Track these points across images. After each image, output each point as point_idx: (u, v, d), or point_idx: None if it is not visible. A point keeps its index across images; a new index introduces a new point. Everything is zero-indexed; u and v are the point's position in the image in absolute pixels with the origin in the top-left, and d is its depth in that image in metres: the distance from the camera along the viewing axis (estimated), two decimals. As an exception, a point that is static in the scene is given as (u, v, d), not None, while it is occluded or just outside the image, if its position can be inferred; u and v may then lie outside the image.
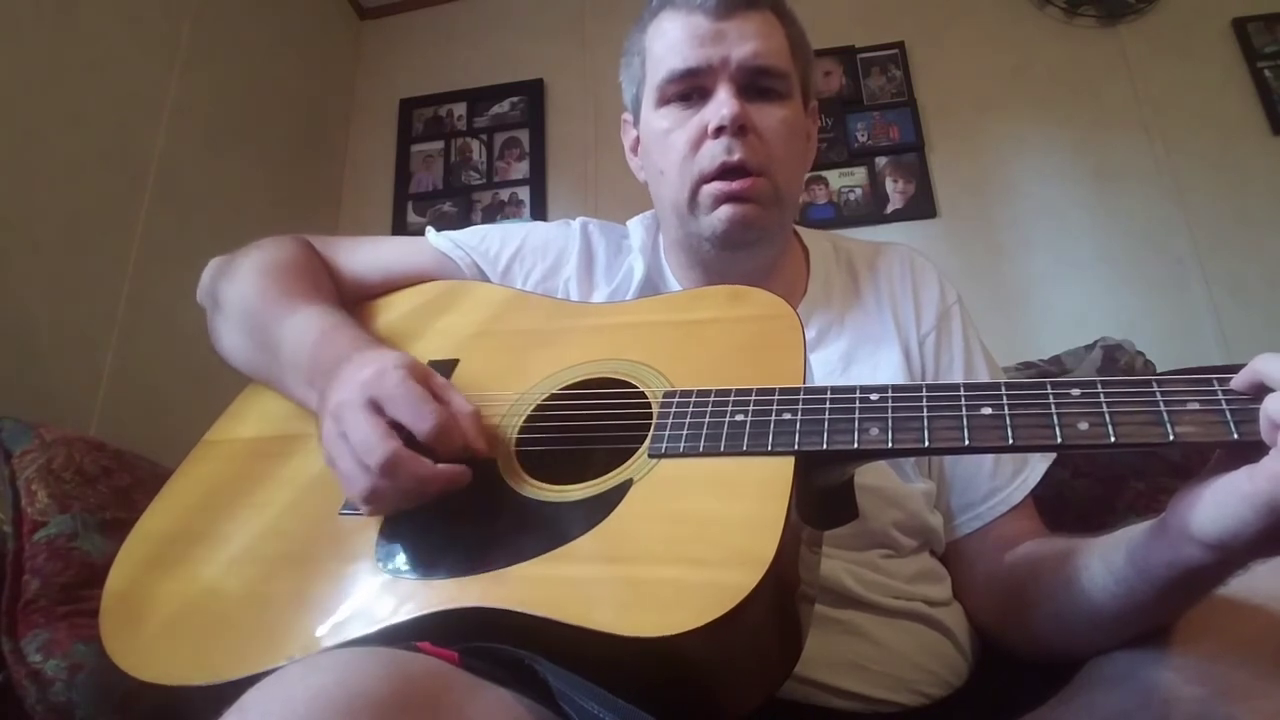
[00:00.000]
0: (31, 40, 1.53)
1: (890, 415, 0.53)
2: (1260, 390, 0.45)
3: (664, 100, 0.82)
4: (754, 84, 0.80)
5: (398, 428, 0.58)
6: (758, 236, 0.81)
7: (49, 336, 1.50)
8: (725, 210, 0.78)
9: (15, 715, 0.74)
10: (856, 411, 0.54)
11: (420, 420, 0.58)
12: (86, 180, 1.62)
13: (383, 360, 0.62)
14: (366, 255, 0.90)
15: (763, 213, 0.79)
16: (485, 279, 0.88)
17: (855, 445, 0.53)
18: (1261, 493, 0.43)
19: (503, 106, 2.50)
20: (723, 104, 0.77)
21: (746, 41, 0.79)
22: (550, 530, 0.55)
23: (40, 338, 1.48)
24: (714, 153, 0.78)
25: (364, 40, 2.69)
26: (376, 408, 0.59)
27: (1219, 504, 0.46)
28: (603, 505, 0.55)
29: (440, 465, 0.58)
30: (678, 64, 0.80)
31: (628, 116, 0.92)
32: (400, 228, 2.40)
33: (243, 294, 0.80)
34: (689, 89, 0.80)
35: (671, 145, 0.81)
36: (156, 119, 1.82)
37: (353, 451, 0.58)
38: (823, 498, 0.58)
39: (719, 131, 0.77)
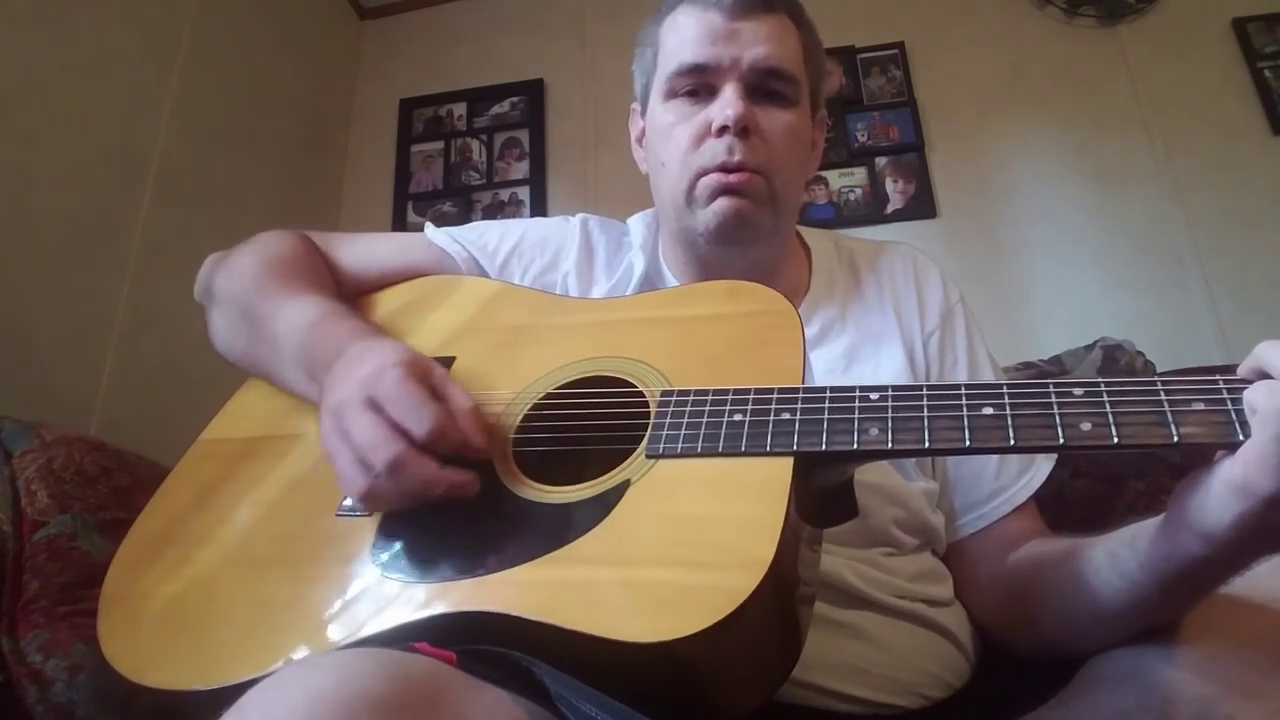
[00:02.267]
0: (31, 40, 1.53)
1: (890, 415, 0.53)
2: (1263, 378, 0.45)
3: (672, 94, 0.82)
4: (762, 86, 0.80)
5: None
6: (751, 234, 0.81)
7: (49, 336, 1.50)
8: (720, 203, 0.78)
9: (15, 715, 0.74)
10: (856, 411, 0.54)
11: (418, 422, 0.57)
12: (86, 180, 1.62)
13: (382, 356, 0.61)
14: (364, 250, 0.90)
15: (756, 209, 0.79)
16: (483, 274, 0.88)
17: (855, 446, 0.53)
18: (1238, 478, 0.44)
19: (503, 106, 2.49)
20: (728, 103, 0.77)
21: (759, 43, 0.79)
22: (547, 532, 0.55)
23: (40, 338, 1.48)
24: (715, 151, 0.78)
25: (364, 40, 2.69)
26: (376, 407, 0.58)
27: (1207, 492, 0.46)
28: (600, 507, 0.55)
29: (446, 470, 0.58)
30: (688, 59, 0.80)
31: (636, 106, 0.92)
32: (400, 228, 2.39)
33: (239, 286, 0.80)
34: (697, 85, 0.80)
35: (674, 139, 0.81)
36: (156, 119, 1.82)
37: (354, 450, 0.58)
38: (822, 497, 0.57)
39: (722, 130, 0.77)
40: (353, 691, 0.39)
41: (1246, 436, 0.44)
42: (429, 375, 0.62)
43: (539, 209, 2.36)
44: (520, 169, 2.42)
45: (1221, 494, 0.45)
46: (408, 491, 0.58)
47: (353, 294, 0.86)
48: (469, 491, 0.58)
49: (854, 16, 2.33)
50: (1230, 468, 0.45)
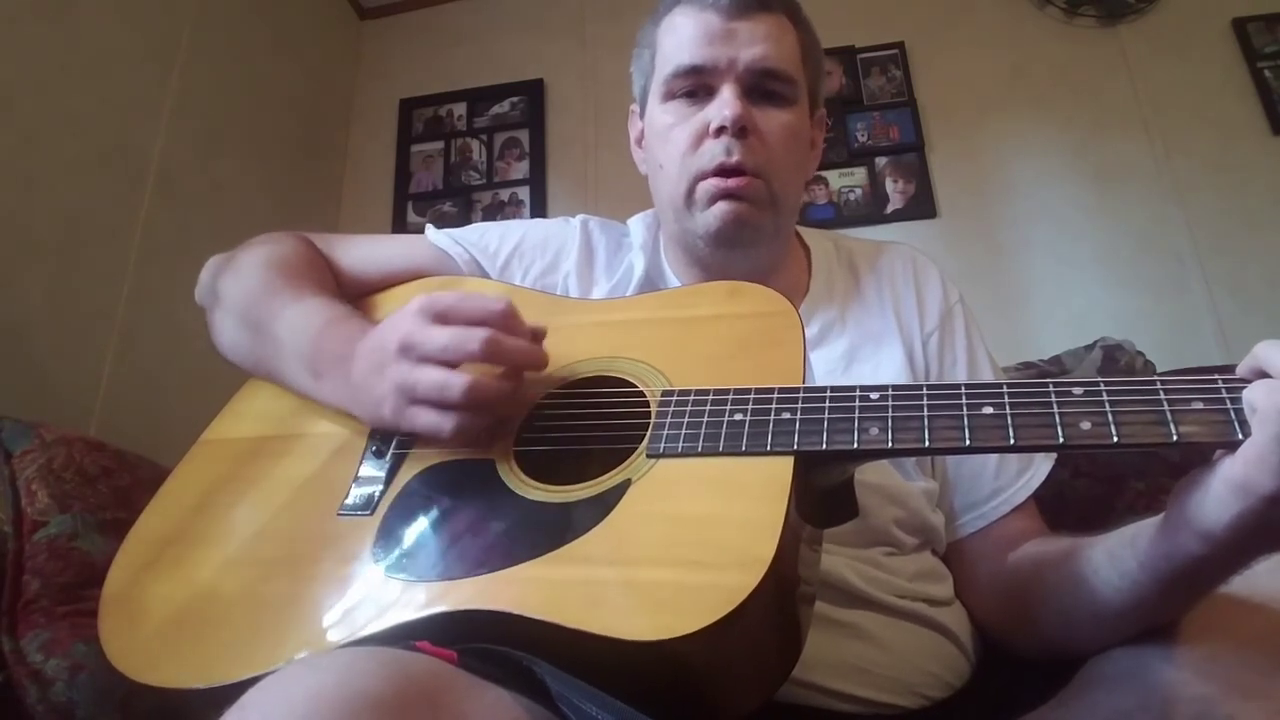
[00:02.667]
0: (31, 40, 1.53)
1: (890, 415, 0.53)
2: (1262, 378, 0.45)
3: (669, 95, 0.82)
4: (760, 87, 0.80)
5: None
6: (751, 237, 0.81)
7: (49, 336, 1.50)
8: (719, 207, 0.78)
9: (15, 715, 0.74)
10: (856, 411, 0.54)
11: (487, 311, 0.61)
12: (86, 180, 1.62)
13: (399, 315, 0.63)
14: (365, 252, 0.90)
15: (756, 213, 0.79)
16: (484, 275, 0.88)
17: (855, 445, 0.53)
18: (1237, 476, 0.44)
19: (503, 106, 2.49)
20: (725, 104, 0.77)
21: (756, 44, 0.79)
22: (548, 531, 0.55)
23: (40, 338, 1.48)
24: (713, 152, 0.78)
25: (364, 40, 2.69)
26: (441, 318, 0.61)
27: (1207, 489, 0.46)
28: (601, 506, 0.55)
29: (528, 344, 0.62)
30: (685, 60, 0.80)
31: (635, 108, 0.92)
32: (400, 228, 2.39)
33: (244, 287, 0.80)
34: (695, 86, 0.80)
35: (673, 140, 0.81)
36: (156, 119, 1.82)
37: (442, 353, 0.59)
38: (823, 497, 0.57)
39: (720, 131, 0.77)
40: (353, 691, 0.39)
41: (1246, 435, 0.45)
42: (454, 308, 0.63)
43: (539, 209, 2.36)
44: (520, 169, 2.42)
45: (1221, 493, 0.45)
46: (515, 362, 0.61)
47: (354, 295, 0.86)
48: (543, 362, 0.64)
49: (854, 16, 2.33)
50: (1230, 467, 0.45)
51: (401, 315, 0.63)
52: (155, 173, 1.79)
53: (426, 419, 0.60)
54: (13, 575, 0.81)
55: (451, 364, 0.60)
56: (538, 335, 0.65)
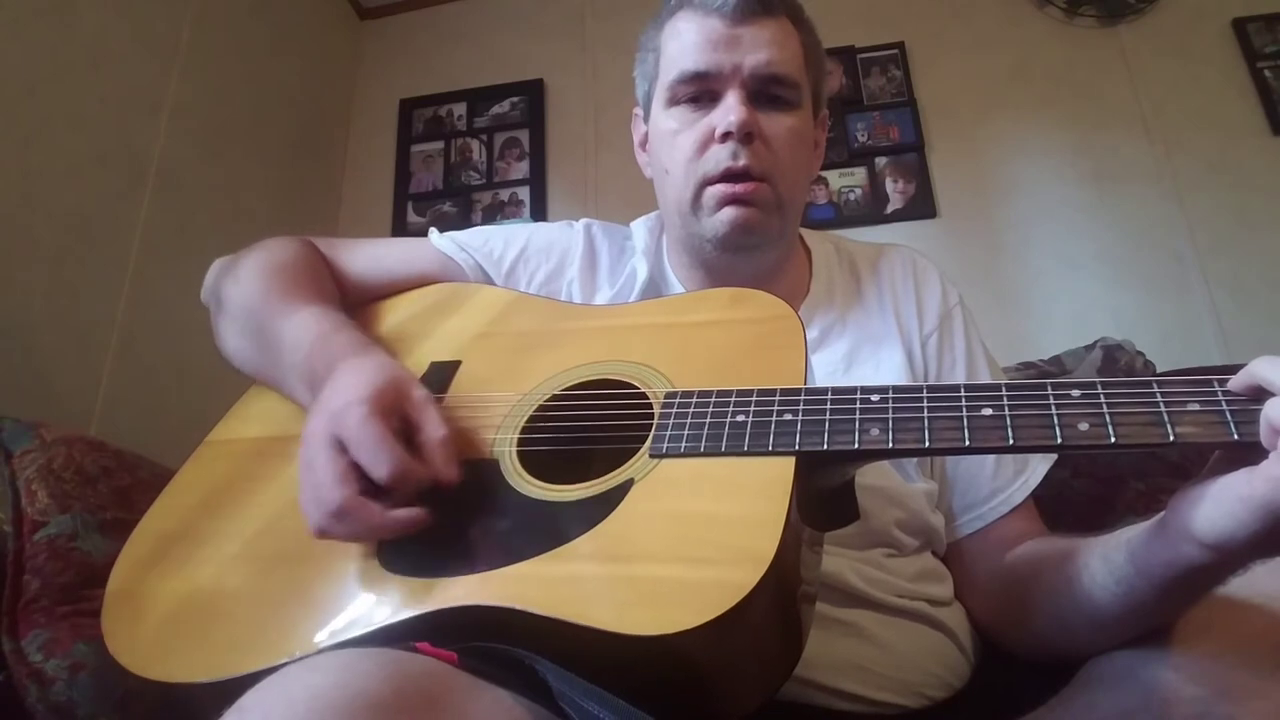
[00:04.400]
0: (31, 40, 1.53)
1: (891, 416, 0.53)
2: (1258, 393, 0.45)
3: (674, 101, 0.82)
4: (764, 91, 0.80)
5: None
6: (758, 241, 0.81)
7: (49, 336, 1.50)
8: (727, 213, 0.78)
9: (15, 715, 0.75)
10: (857, 412, 0.54)
11: (376, 466, 0.56)
12: (86, 180, 1.62)
13: (355, 387, 0.60)
14: (369, 257, 0.90)
15: (764, 218, 0.79)
16: (489, 281, 0.88)
17: (856, 446, 0.53)
18: (1259, 495, 0.43)
19: (503, 106, 2.50)
20: (730, 110, 0.77)
21: (760, 49, 0.79)
22: (551, 529, 0.55)
23: (40, 338, 1.48)
24: (719, 157, 0.78)
25: (364, 40, 2.69)
26: (340, 445, 0.58)
27: (1217, 504, 0.46)
28: (604, 505, 0.55)
29: (393, 512, 0.56)
30: (689, 66, 0.80)
31: (638, 111, 0.92)
32: (400, 228, 2.40)
33: (245, 294, 0.80)
34: (699, 92, 0.80)
35: (678, 146, 0.81)
36: (156, 119, 1.82)
37: (312, 487, 0.57)
38: (824, 499, 0.58)
39: (725, 137, 0.78)
40: (353, 691, 0.39)
41: (1241, 437, 0.45)
42: (403, 403, 0.60)
43: (539, 209, 2.36)
44: (520, 169, 2.42)
45: (1236, 510, 0.44)
46: (356, 534, 0.57)
47: (358, 300, 0.86)
48: (419, 525, 0.57)
49: (854, 16, 2.33)
50: (1249, 485, 0.44)
51: (368, 381, 0.60)
52: (155, 173, 1.79)
53: (304, 495, 0.58)
54: (13, 575, 0.81)
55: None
56: (444, 478, 0.59)
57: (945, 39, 2.30)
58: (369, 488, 0.57)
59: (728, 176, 0.78)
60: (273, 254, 0.84)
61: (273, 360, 0.75)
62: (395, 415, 0.60)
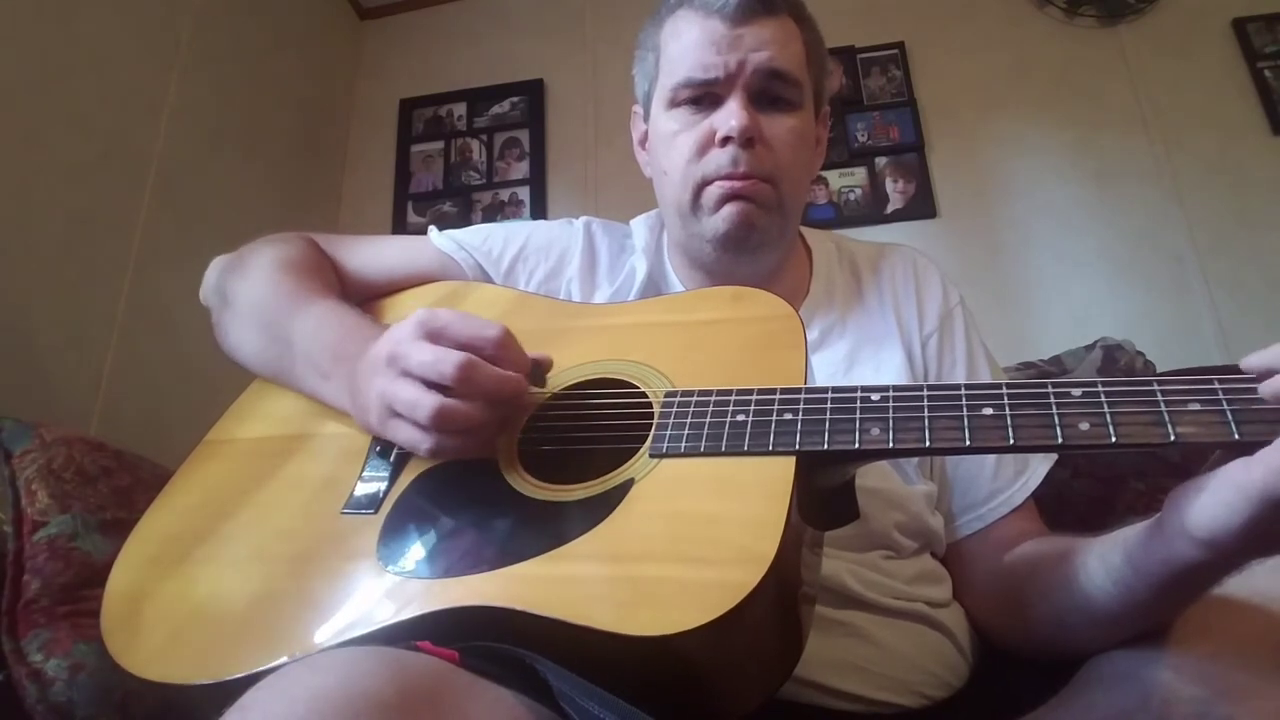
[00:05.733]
0: (31, 40, 1.53)
1: (891, 415, 0.53)
2: (1268, 375, 0.45)
3: (675, 103, 0.82)
4: (766, 92, 0.80)
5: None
6: (759, 241, 0.81)
7: (49, 336, 1.50)
8: (728, 209, 0.78)
9: (15, 715, 0.75)
10: (858, 412, 0.54)
11: (442, 365, 0.58)
12: (86, 180, 1.62)
13: (392, 339, 0.62)
14: (369, 254, 0.90)
15: (764, 215, 0.79)
16: (488, 279, 0.88)
17: (856, 445, 0.53)
18: (1257, 483, 0.43)
19: (503, 106, 2.49)
20: (732, 114, 0.77)
21: (762, 49, 0.78)
22: (551, 529, 0.55)
23: (40, 338, 1.48)
24: (720, 161, 0.78)
25: (364, 40, 2.69)
26: (408, 375, 0.59)
27: (1214, 495, 0.46)
28: (604, 504, 0.55)
29: (508, 373, 0.59)
30: (690, 69, 0.79)
31: (638, 109, 0.92)
32: (400, 227, 2.40)
33: (256, 288, 0.80)
34: (701, 94, 0.80)
35: (678, 147, 0.81)
36: (156, 119, 1.82)
37: (421, 371, 0.58)
38: (824, 499, 0.57)
39: (726, 141, 0.77)
40: (355, 691, 0.39)
41: (1243, 436, 0.45)
42: (446, 330, 0.62)
43: (539, 209, 2.36)
44: (520, 169, 2.42)
45: (1232, 499, 0.44)
46: (487, 392, 0.58)
47: (358, 298, 0.86)
48: (521, 391, 0.61)
49: (854, 16, 2.33)
50: (1247, 473, 0.44)
51: (401, 325, 0.62)
52: (155, 173, 1.79)
53: (405, 434, 0.60)
54: (13, 575, 0.81)
55: (430, 383, 0.59)
56: (541, 364, 0.64)
57: (945, 39, 2.29)
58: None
59: (728, 178, 0.78)
60: (281, 250, 0.84)
61: (283, 351, 0.75)
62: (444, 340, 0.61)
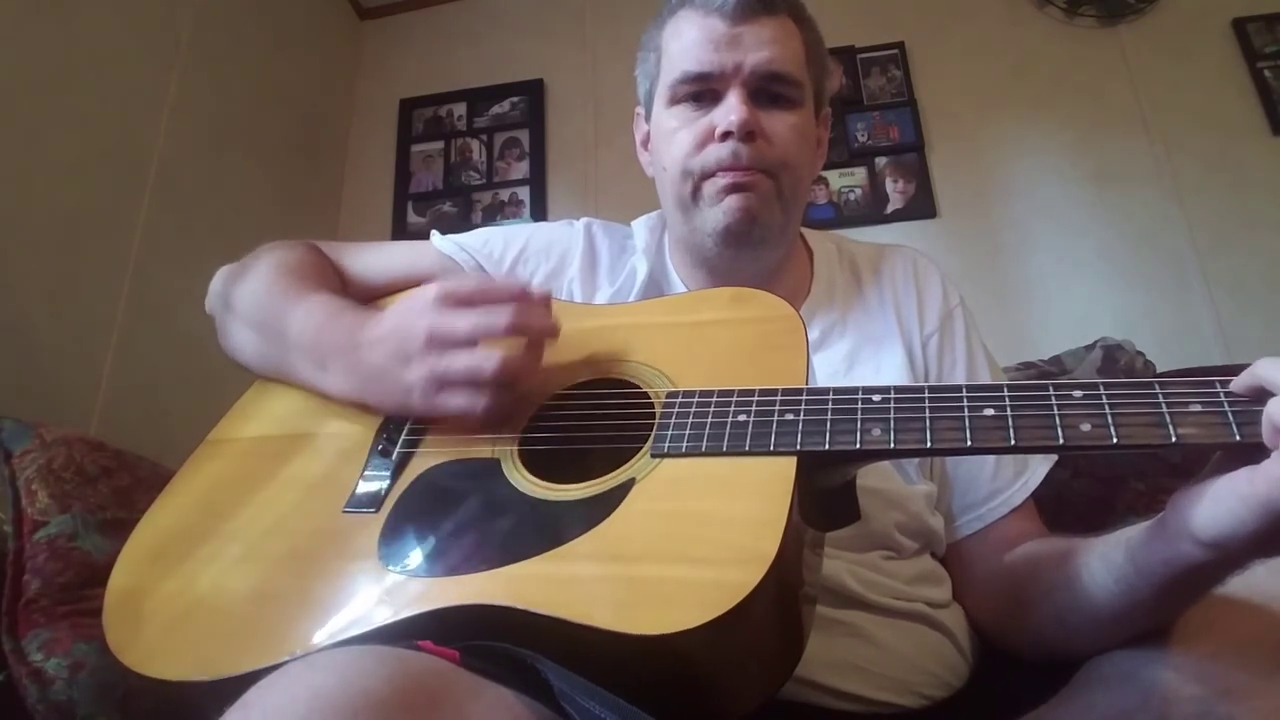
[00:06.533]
0: (31, 40, 1.53)
1: (892, 416, 0.53)
2: (1260, 394, 0.45)
3: (675, 100, 0.82)
4: (766, 90, 0.80)
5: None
6: (761, 235, 0.81)
7: (49, 336, 1.50)
8: (729, 201, 0.78)
9: (15, 714, 0.75)
10: (859, 412, 0.54)
11: (507, 293, 0.64)
12: (86, 180, 1.62)
13: (400, 312, 0.66)
14: (372, 259, 0.90)
15: (765, 208, 0.79)
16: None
17: (858, 445, 0.53)
18: (1260, 494, 0.43)
19: (503, 106, 2.49)
20: (731, 109, 0.77)
21: (761, 48, 0.79)
22: (553, 529, 0.55)
23: (40, 338, 1.48)
24: (719, 155, 0.78)
25: (364, 40, 2.69)
26: (439, 343, 0.63)
27: (1218, 503, 0.46)
28: (605, 504, 0.55)
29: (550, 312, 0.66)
30: (691, 66, 0.80)
31: (640, 110, 0.92)
32: (400, 228, 2.39)
33: (254, 290, 0.81)
34: (700, 91, 0.81)
35: (677, 143, 0.81)
36: (156, 119, 1.82)
37: (471, 335, 0.62)
38: (825, 499, 0.57)
39: (725, 136, 0.78)
40: (355, 690, 0.39)
41: (1244, 438, 0.45)
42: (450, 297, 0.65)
43: (539, 209, 2.36)
44: (520, 169, 2.42)
45: (1236, 508, 0.44)
46: (543, 329, 0.64)
47: (360, 301, 0.86)
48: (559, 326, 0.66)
49: (854, 16, 2.33)
50: (1250, 484, 0.44)
51: (418, 304, 0.65)
52: (155, 172, 1.79)
53: (459, 401, 0.63)
54: (13, 575, 0.81)
55: (475, 345, 0.62)
56: (547, 305, 0.68)
57: (945, 39, 2.30)
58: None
59: (729, 169, 0.78)
60: (280, 254, 0.85)
61: (279, 345, 0.75)
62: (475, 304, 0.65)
